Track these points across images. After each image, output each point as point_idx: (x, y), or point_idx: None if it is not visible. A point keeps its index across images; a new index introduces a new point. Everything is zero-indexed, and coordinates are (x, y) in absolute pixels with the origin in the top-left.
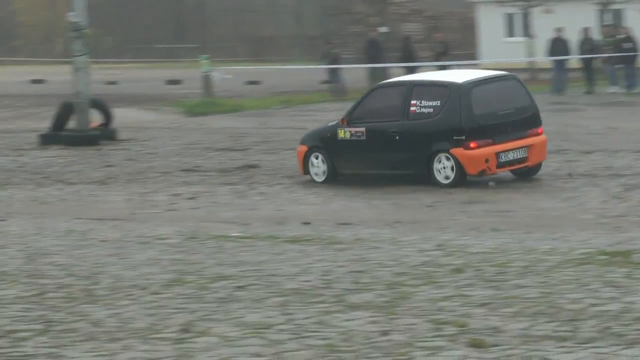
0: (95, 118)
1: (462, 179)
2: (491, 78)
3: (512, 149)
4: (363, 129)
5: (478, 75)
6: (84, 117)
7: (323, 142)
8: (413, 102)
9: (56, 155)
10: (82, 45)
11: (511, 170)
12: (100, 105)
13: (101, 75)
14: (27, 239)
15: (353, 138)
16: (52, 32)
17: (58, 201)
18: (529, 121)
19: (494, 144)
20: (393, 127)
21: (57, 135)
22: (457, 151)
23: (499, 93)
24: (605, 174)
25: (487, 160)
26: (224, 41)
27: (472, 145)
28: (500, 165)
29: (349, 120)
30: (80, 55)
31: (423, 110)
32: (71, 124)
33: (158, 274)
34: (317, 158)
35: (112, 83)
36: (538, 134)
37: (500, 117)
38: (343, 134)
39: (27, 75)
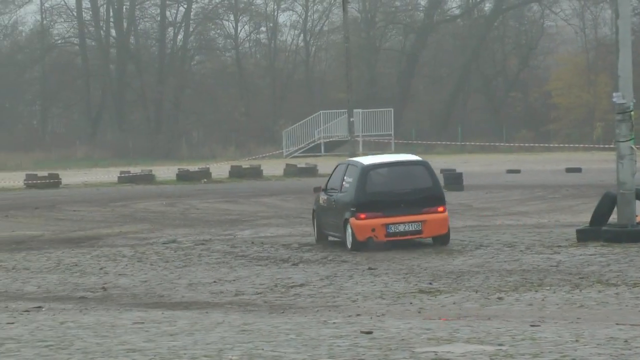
0: None
1: (357, 244)
2: (397, 162)
3: (402, 222)
4: (326, 198)
5: (387, 159)
6: (629, 210)
7: (315, 205)
8: (345, 178)
9: (595, 253)
10: (628, 129)
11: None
12: None
13: None
14: (563, 346)
15: (323, 204)
16: (590, 115)
17: (597, 305)
18: (426, 200)
19: (383, 216)
20: (334, 197)
21: (597, 231)
22: (352, 220)
23: (400, 175)
24: None
25: (373, 230)
26: None
27: (361, 216)
28: (390, 235)
29: (324, 188)
30: (625, 141)
31: (346, 185)
32: (613, 218)
33: None
34: (313, 220)
35: None
36: (436, 212)
37: (394, 195)
38: (321, 200)
39: (561, 163)
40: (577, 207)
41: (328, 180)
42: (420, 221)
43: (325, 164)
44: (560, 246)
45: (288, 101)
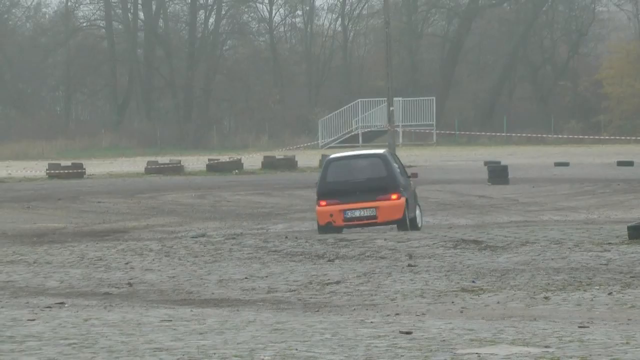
0: None
1: (319, 228)
2: (356, 156)
3: (358, 208)
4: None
5: (350, 153)
6: None
7: None
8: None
9: None
10: None
11: (365, 224)
12: None
13: None
14: (613, 349)
15: None
16: None
17: None
18: (380, 189)
19: (340, 203)
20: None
21: None
22: (316, 207)
23: (357, 167)
24: None
25: (331, 215)
26: None
27: (322, 203)
28: (347, 220)
29: None
30: None
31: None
32: None
33: None
34: None
35: None
36: (389, 199)
37: (351, 185)
38: None
39: (612, 156)
40: (628, 203)
41: None
42: (374, 207)
43: None
44: (610, 243)
45: (324, 89)
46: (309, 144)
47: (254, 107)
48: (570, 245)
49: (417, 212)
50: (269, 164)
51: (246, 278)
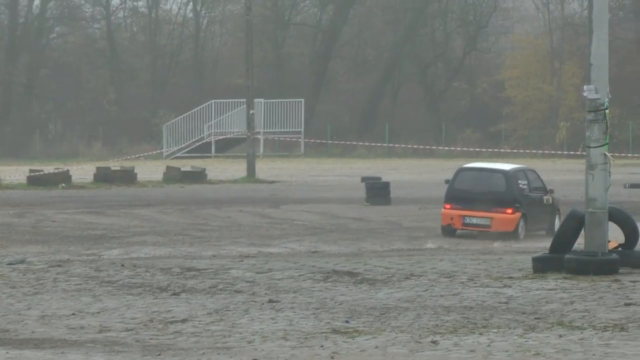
0: (614, 236)
1: (441, 228)
2: (484, 169)
3: (476, 216)
4: None
5: (480, 165)
6: (600, 234)
7: None
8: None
9: (556, 287)
10: (601, 132)
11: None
12: (621, 217)
13: (616, 175)
14: None
15: None
16: (553, 113)
17: (557, 353)
18: (498, 202)
19: (461, 209)
20: None
21: (558, 259)
22: (442, 209)
23: (482, 179)
24: None
25: (452, 218)
26: None
27: (446, 206)
28: (465, 225)
29: None
30: (598, 147)
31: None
32: (579, 243)
33: None
34: None
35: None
36: (504, 212)
37: (474, 194)
38: None
39: None
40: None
41: None
42: (490, 217)
43: (216, 168)
44: (511, 278)
45: (171, 87)
46: (151, 153)
47: (86, 108)
48: (463, 280)
49: (556, 221)
50: (103, 177)
51: (74, 314)
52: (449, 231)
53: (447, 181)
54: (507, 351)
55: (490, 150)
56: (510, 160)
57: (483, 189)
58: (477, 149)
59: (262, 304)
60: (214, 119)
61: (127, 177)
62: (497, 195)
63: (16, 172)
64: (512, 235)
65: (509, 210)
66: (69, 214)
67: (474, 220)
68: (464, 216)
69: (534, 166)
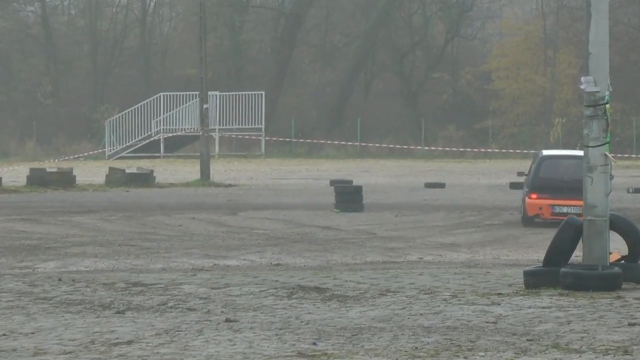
0: (616, 247)
1: (526, 219)
2: (570, 156)
3: (567, 205)
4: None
5: (564, 152)
6: (599, 244)
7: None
8: (532, 165)
9: (551, 304)
10: (601, 129)
11: None
12: (624, 226)
13: (618, 178)
14: None
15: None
16: (546, 108)
17: None
18: None
19: (550, 198)
20: (525, 180)
21: (553, 273)
22: (526, 199)
23: (569, 166)
24: None
25: (540, 208)
26: None
27: (532, 196)
28: (555, 215)
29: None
30: (597, 146)
31: (531, 170)
32: (576, 255)
33: None
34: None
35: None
36: None
37: (563, 182)
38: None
39: (504, 175)
40: (525, 239)
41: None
42: (581, 206)
43: (165, 170)
44: (500, 294)
45: (114, 78)
46: (92, 152)
47: (18, 102)
48: (446, 296)
49: None
50: (37, 179)
51: (4, 335)
52: (530, 221)
53: (520, 173)
54: None
55: (475, 150)
56: (499, 161)
57: (572, 175)
58: (461, 149)
59: (218, 323)
60: (163, 114)
61: (65, 179)
62: None
63: None
64: None
65: None
66: None
67: (565, 210)
68: (553, 205)
69: (526, 167)
